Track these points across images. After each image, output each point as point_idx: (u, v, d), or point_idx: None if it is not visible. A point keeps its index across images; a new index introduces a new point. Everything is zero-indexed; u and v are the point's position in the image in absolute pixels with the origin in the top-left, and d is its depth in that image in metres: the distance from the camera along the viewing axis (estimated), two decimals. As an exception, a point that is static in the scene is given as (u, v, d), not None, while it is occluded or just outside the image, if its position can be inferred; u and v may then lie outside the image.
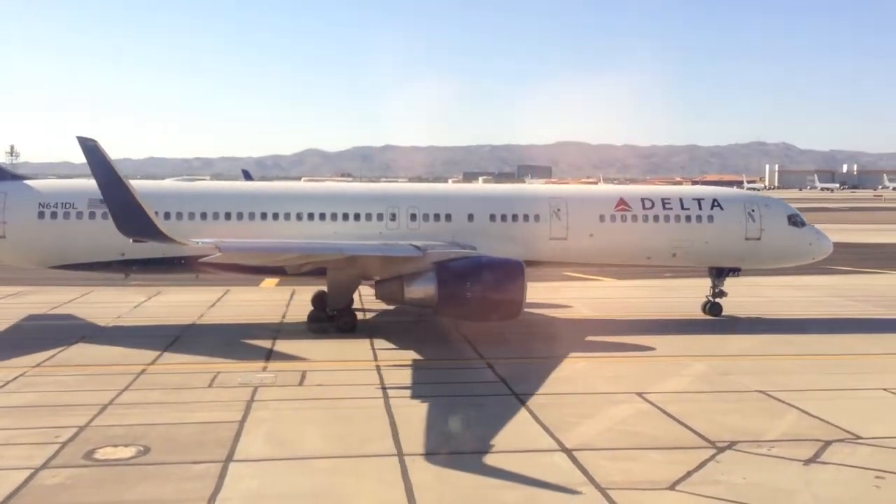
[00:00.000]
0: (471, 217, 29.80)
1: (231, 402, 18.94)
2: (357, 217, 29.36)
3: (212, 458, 15.09)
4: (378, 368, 22.51)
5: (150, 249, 26.79)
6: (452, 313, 25.94)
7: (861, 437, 16.49)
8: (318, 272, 27.65)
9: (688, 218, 30.66)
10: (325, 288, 30.90)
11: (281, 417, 17.93)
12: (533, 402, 19.07)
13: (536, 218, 30.08)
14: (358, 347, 25.33)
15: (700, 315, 31.59)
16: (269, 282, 39.78)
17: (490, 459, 15.32)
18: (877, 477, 14.33)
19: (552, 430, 16.95)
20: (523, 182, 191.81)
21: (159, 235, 22.62)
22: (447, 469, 14.79)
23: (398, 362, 23.33)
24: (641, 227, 30.45)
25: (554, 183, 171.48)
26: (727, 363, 23.48)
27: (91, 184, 33.81)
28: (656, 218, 30.56)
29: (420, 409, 18.54)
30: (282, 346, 25.52)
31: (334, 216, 29.30)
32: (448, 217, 29.67)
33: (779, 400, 19.34)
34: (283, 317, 31.08)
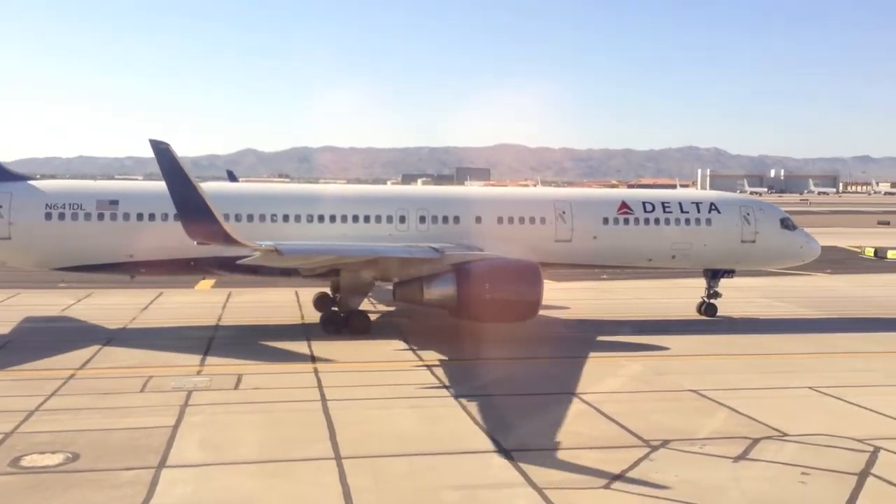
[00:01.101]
0: (478, 219, 30.15)
1: (164, 406, 18.57)
2: (367, 219, 29.33)
3: (143, 465, 14.76)
4: (316, 371, 22.33)
5: (157, 251, 27.33)
6: (471, 315, 26.03)
7: (788, 435, 17.00)
8: (331, 273, 27.69)
9: (687, 221, 31.47)
10: (326, 290, 31.25)
11: (216, 422, 17.64)
12: (472, 403, 19.15)
13: (542, 220, 30.58)
14: (296, 350, 25.07)
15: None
16: (205, 284, 39.13)
17: (428, 461, 15.34)
18: (803, 473, 14.78)
19: (490, 431, 17.05)
20: (462, 184, 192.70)
21: (226, 238, 22.58)
22: (385, 471, 14.75)
23: (336, 365, 23.18)
24: (643, 230, 31.14)
25: (492, 185, 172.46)
26: (662, 363, 23.95)
27: (98, 185, 33.58)
28: (657, 221, 31.30)
29: (358, 412, 18.46)
30: (217, 349, 25.13)
31: (344, 218, 29.22)
32: (456, 219, 29.91)
33: (710, 399, 19.82)
34: (219, 319, 30.59)
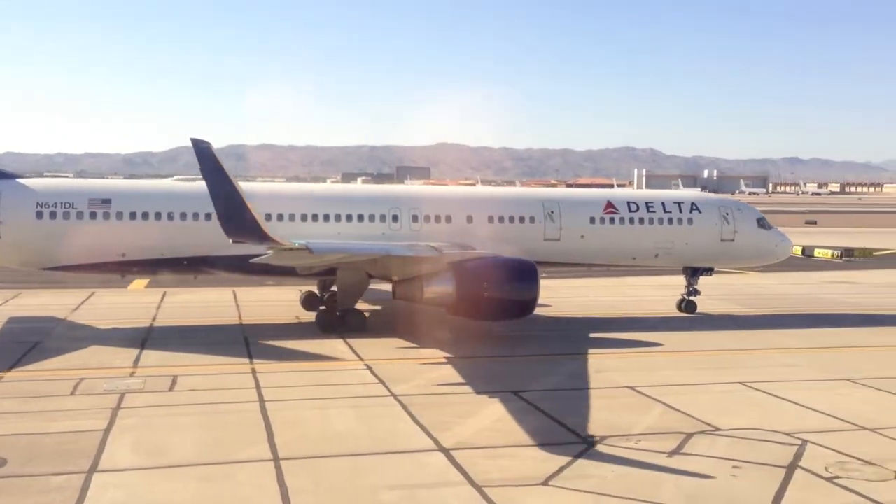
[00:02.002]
0: (469, 219, 30.48)
1: (96, 409, 18.12)
2: (360, 218, 29.37)
3: (74, 469, 14.37)
4: (254, 372, 22.05)
5: (150, 250, 27.26)
6: (469, 312, 26.17)
7: (720, 429, 17.42)
8: (327, 273, 27.77)
9: (670, 221, 32.36)
10: (313, 289, 31.45)
11: (150, 425, 17.28)
12: (411, 402, 19.15)
13: (532, 220, 31.04)
14: (234, 351, 24.71)
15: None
16: (139, 283, 38.28)
17: (368, 461, 15.29)
18: (734, 467, 15.17)
19: (430, 429, 17.06)
20: (403, 183, 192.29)
21: (263, 236, 22.75)
22: (324, 472, 14.65)
23: (275, 365, 22.93)
24: (628, 230, 31.87)
25: (432, 184, 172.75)
26: (599, 360, 24.30)
27: (89, 183, 33.41)
28: (641, 220, 32.08)
29: (297, 413, 18.30)
30: (151, 350, 24.62)
31: (338, 217, 29.23)
32: (448, 219, 30.22)
33: (645, 395, 20.20)
34: (153, 320, 29.97)
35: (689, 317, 32.94)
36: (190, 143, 22.88)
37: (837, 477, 14.64)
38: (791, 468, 15.08)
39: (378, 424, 17.63)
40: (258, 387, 20.44)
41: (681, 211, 32.59)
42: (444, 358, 24.21)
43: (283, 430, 16.89)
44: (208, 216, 27.57)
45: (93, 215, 27.32)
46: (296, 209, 28.82)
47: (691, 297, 33.50)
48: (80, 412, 18.02)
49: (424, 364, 23.40)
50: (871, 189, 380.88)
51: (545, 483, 14.25)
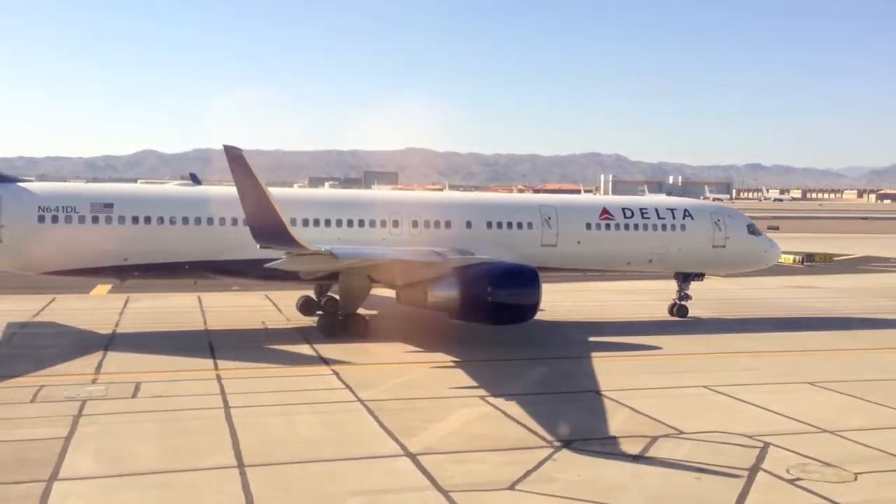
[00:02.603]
0: (469, 224, 30.75)
1: (56, 417, 17.80)
2: (361, 223, 29.41)
3: (34, 478, 14.10)
4: (219, 378, 21.83)
5: (151, 255, 27.33)
6: (472, 317, 26.32)
7: (684, 433, 17.60)
8: (330, 277, 27.87)
9: (664, 227, 32.88)
10: (310, 293, 31.66)
11: (112, 432, 17.03)
12: (378, 407, 19.09)
13: (529, 225, 31.36)
14: (198, 356, 24.46)
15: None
16: (101, 289, 37.79)
17: (334, 467, 15.22)
18: (698, 469, 15.30)
19: (397, 435, 17.03)
20: (370, 188, 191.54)
21: (291, 242, 23.02)
22: (290, 479, 14.55)
23: (240, 371, 22.74)
24: (623, 235, 32.36)
25: (401, 189, 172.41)
26: (566, 365, 24.42)
27: (92, 187, 33.52)
28: (636, 227, 32.58)
29: (262, 419, 18.16)
30: (114, 356, 24.28)
31: (339, 222, 29.30)
32: (448, 224, 30.44)
33: (611, 399, 20.33)
34: (116, 325, 29.54)
35: (650, 321, 33.24)
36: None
37: (799, 479, 14.86)
38: (753, 470, 15.28)
39: (345, 430, 17.56)
40: (223, 393, 20.25)
41: (674, 217, 33.19)
42: (408, 363, 24.18)
43: (248, 436, 16.74)
44: (210, 220, 28.21)
45: (95, 219, 27.29)
46: (297, 214, 28.64)
47: (683, 302, 34.18)
48: (41, 420, 17.71)
49: (389, 369, 23.36)
50: (832, 195, 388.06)
51: (511, 487, 14.28)
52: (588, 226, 32.10)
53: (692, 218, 33.41)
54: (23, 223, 26.75)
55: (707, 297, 40.48)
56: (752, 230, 34.27)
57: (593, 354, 26.15)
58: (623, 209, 32.90)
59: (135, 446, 16.13)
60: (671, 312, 34.18)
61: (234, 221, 27.95)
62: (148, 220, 27.77)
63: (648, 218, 32.87)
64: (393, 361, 24.41)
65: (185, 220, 28.05)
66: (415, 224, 29.87)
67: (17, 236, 26.70)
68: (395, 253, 27.00)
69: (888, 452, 16.41)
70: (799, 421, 18.68)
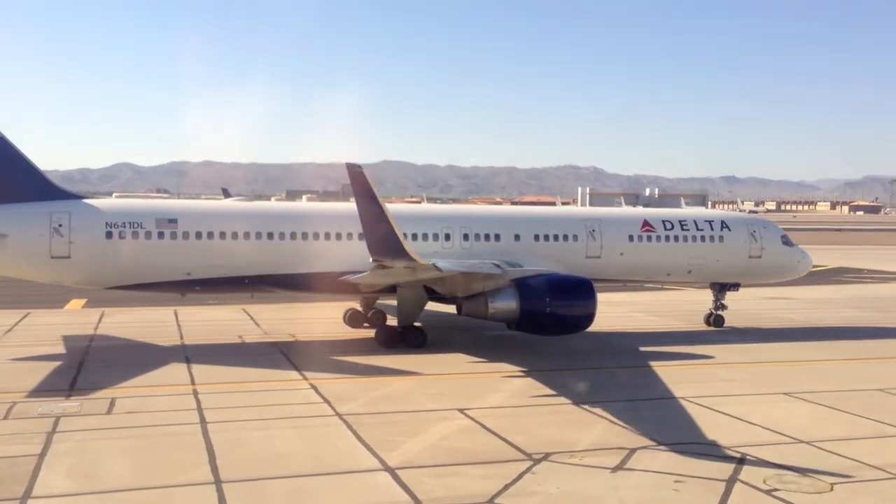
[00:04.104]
0: (517, 237, 31.40)
1: (30, 433, 17.55)
2: (414, 237, 29.70)
3: (7, 496, 13.89)
4: (196, 392, 21.63)
5: (213, 269, 27.94)
6: (531, 328, 27.06)
7: (662, 444, 17.66)
8: (388, 290, 28.49)
9: (702, 238, 33.86)
10: (356, 307, 32.41)
11: (86, 449, 16.80)
12: (357, 421, 19.00)
13: (575, 238, 32.11)
14: (175, 371, 24.25)
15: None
16: (76, 303, 37.43)
17: (312, 482, 15.11)
18: (676, 481, 15.38)
19: (375, 449, 16.95)
20: (349, 201, 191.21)
21: (406, 256, 23.97)
22: (267, 494, 14.43)
23: (217, 385, 22.54)
24: (663, 247, 33.24)
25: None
26: (543, 376, 24.44)
27: (155, 203, 34.55)
28: (676, 238, 33.49)
29: (240, 434, 18.01)
30: (88, 371, 24.01)
31: None
32: (497, 237, 31.12)
33: (589, 411, 20.36)
34: (91, 340, 29.23)
35: (630, 332, 33.36)
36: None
37: (776, 489, 14.94)
38: (731, 482, 15.35)
39: (323, 445, 17.45)
40: (200, 408, 20.06)
41: (712, 229, 34.19)
42: (387, 376, 24.11)
43: (225, 451, 16.59)
44: (270, 235, 28.80)
45: (160, 235, 27.71)
46: (352, 229, 29.05)
47: (719, 312, 34.93)
48: (14, 437, 17.43)
49: (366, 383, 23.28)
50: (806, 207, 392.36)
51: (490, 501, 14.23)
52: (630, 238, 32.93)
53: (729, 229, 34.40)
54: (91, 239, 27.19)
55: (682, 308, 40.84)
56: (786, 241, 35.34)
57: (571, 367, 26.16)
58: (663, 221, 33.80)
59: (110, 463, 15.93)
60: (707, 322, 35.04)
61: (293, 235, 28.81)
62: (210, 235, 28.36)
63: (688, 230, 33.82)
64: (370, 374, 24.30)
65: (247, 235, 28.61)
66: (465, 237, 30.41)
67: (86, 252, 27.13)
68: (489, 267, 27.67)
69: (864, 463, 16.55)
70: (775, 432, 18.80)
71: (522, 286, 26.73)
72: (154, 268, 27.88)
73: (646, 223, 33.46)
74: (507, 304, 26.47)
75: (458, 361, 26.47)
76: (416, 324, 29.02)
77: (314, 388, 22.50)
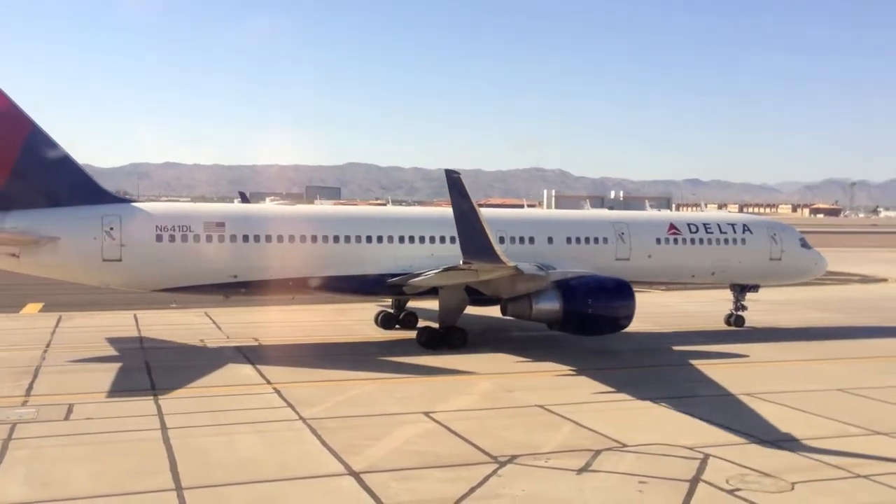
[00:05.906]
0: (550, 240, 32.06)
1: (-16, 441, 17.10)
2: (453, 240, 29.12)
3: (-42, 507, 13.52)
4: (156, 398, 21.27)
5: (259, 272, 28.30)
6: (575, 328, 27.64)
7: (627, 446, 17.73)
8: (431, 292, 29.06)
9: (725, 241, 34.89)
10: (388, 308, 33.14)
11: (43, 456, 16.43)
12: (321, 425, 18.82)
13: (605, 241, 32.85)
14: (134, 376, 23.83)
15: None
16: (32, 307, 36.72)
17: (276, 487, 14.92)
18: (640, 482, 15.45)
19: (340, 453, 16.80)
20: (312, 203, 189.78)
21: (496, 258, 24.53)
22: (230, 501, 14.22)
23: (178, 391, 22.19)
24: (689, 249, 34.21)
25: (343, 204, 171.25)
26: (511, 380, 24.43)
27: (203, 207, 36.46)
28: (701, 241, 34.44)
29: (201, 440, 17.74)
30: (45, 377, 23.51)
31: (432, 239, 30.33)
32: (531, 240, 31.92)
33: (555, 413, 20.39)
34: (48, 345, 28.63)
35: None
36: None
37: (738, 489, 15.07)
38: (694, 482, 15.46)
39: (286, 450, 17.24)
40: (160, 413, 19.72)
41: (734, 232, 35.19)
42: (352, 380, 23.96)
43: (186, 458, 16.32)
44: (314, 238, 29.20)
45: (209, 238, 27.86)
46: (394, 231, 29.95)
47: (739, 312, 35.96)
48: (-33, 445, 16.97)
49: (331, 386, 23.08)
50: (768, 210, 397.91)
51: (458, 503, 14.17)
52: (658, 240, 33.82)
53: (751, 232, 35.39)
54: (142, 242, 27.29)
55: (647, 311, 41.05)
56: (804, 244, 36.32)
57: (537, 370, 26.21)
58: (688, 224, 34.67)
59: (67, 470, 15.59)
60: (728, 322, 36.06)
61: (336, 239, 29.10)
62: (257, 238, 28.65)
63: (712, 233, 34.74)
64: (335, 379, 24.09)
65: (292, 238, 28.80)
66: (501, 240, 30.41)
67: (137, 255, 27.24)
68: (561, 272, 28.13)
69: (824, 462, 16.77)
70: (737, 432, 18.97)
71: (565, 288, 27.36)
72: (201, 270, 28.14)
73: (672, 226, 34.47)
74: (550, 306, 27.05)
75: (428, 364, 26.33)
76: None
77: (277, 391, 22.26)
